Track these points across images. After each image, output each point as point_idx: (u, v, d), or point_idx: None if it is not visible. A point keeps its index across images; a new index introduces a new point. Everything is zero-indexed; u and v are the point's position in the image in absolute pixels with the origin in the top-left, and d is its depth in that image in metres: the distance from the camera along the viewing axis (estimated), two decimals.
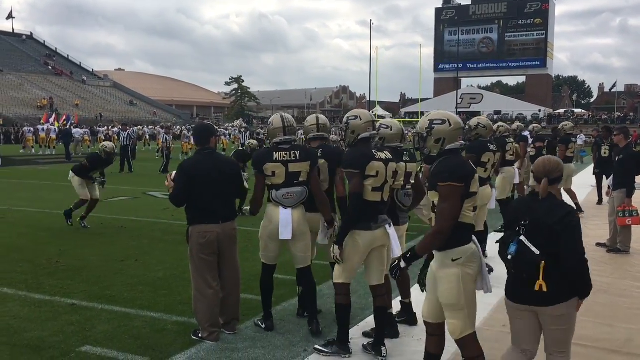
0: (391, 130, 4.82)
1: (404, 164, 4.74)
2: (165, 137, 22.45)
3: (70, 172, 9.64)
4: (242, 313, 5.08)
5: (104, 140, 35.47)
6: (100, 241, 8.51)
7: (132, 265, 7.05)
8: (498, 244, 3.44)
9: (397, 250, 4.37)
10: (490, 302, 5.67)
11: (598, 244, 8.30)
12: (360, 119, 4.41)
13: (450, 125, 3.48)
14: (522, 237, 3.24)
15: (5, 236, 8.78)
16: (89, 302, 5.60)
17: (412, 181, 4.89)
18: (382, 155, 4.32)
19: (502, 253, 3.35)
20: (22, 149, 33.42)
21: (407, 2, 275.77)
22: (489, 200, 7.13)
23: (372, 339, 4.51)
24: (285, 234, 4.63)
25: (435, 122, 3.51)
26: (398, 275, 3.66)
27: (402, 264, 3.56)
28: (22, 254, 7.60)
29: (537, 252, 3.18)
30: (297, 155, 4.68)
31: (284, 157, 4.64)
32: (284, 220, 4.62)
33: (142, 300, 5.69)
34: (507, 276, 3.49)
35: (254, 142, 13.62)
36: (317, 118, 5.16)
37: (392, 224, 4.41)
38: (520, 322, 3.42)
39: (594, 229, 9.54)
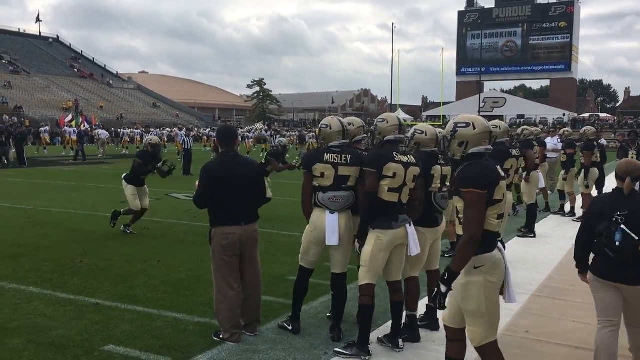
0: (425, 135, 4.92)
1: (439, 167, 4.85)
2: (184, 139, 22.31)
3: (124, 180, 9.25)
4: (263, 315, 5.09)
5: (128, 142, 35.88)
6: (123, 242, 8.61)
7: (154, 266, 7.11)
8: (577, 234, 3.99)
9: (415, 249, 4.43)
10: (513, 307, 5.62)
11: None
12: (387, 122, 4.55)
13: (474, 128, 3.43)
14: (622, 226, 3.65)
15: (31, 236, 8.92)
16: (112, 301, 5.66)
17: (448, 184, 4.96)
18: (404, 158, 4.41)
19: (602, 241, 3.72)
20: (44, 149, 33.44)
21: (428, 5, 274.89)
22: (510, 208, 7.13)
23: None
24: (332, 239, 4.59)
25: (459, 125, 3.48)
26: (443, 303, 3.35)
27: (443, 289, 3.31)
28: (47, 253, 7.72)
29: (637, 237, 3.61)
30: (348, 159, 4.65)
31: (334, 159, 4.62)
32: (331, 225, 4.58)
33: (164, 300, 5.74)
34: (595, 256, 3.89)
35: (284, 139, 13.61)
36: (362, 122, 5.26)
37: (412, 223, 4.46)
38: (606, 295, 3.84)
39: None
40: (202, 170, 4.77)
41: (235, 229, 4.67)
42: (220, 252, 4.69)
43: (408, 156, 4.47)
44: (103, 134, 33.65)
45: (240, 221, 4.71)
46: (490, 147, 3.50)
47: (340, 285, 4.80)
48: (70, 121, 43.60)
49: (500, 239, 3.50)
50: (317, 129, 4.91)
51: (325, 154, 4.64)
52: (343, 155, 4.64)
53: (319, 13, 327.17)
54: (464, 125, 3.46)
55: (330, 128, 4.73)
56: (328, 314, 5.20)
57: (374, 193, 4.31)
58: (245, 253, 4.78)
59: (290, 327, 4.89)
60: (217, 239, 4.70)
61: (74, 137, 32.97)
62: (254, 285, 4.88)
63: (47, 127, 38.05)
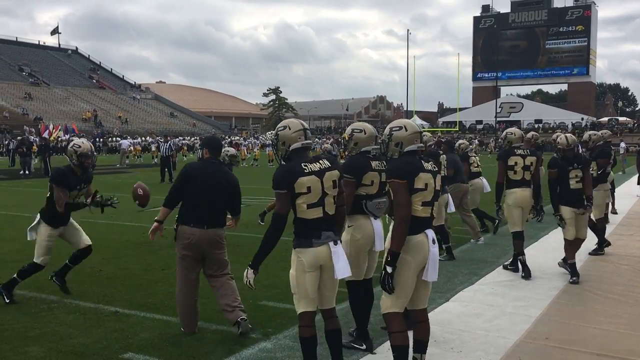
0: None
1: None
2: (161, 145, 21.10)
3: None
4: (281, 322, 5.14)
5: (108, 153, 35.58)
6: (142, 250, 8.67)
7: (172, 274, 7.08)
8: None
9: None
10: (533, 314, 5.57)
11: None
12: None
13: (406, 130, 3.95)
14: None
15: None
16: (131, 309, 5.71)
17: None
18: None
19: None
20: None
21: (434, 11, 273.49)
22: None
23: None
24: (379, 244, 4.54)
25: (393, 129, 4.00)
26: (391, 284, 3.72)
27: (389, 269, 3.69)
28: None
29: None
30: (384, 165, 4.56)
31: (378, 166, 4.55)
32: (378, 231, 4.54)
33: None
34: None
35: (329, 145, 11.65)
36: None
37: (338, 242, 3.89)
38: None
39: None
40: (181, 169, 5.12)
41: (196, 231, 4.89)
42: (181, 249, 4.98)
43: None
44: (124, 143, 34.01)
45: (203, 225, 4.90)
46: (421, 144, 3.97)
47: (367, 292, 4.76)
48: (48, 133, 44.27)
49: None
50: (349, 134, 4.68)
51: (371, 162, 4.56)
52: (383, 162, 4.56)
53: (325, 20, 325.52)
54: (398, 128, 3.98)
55: (365, 133, 4.61)
56: (350, 330, 4.91)
57: (285, 216, 3.92)
58: (206, 255, 5.01)
59: (363, 347, 4.69)
60: (180, 237, 4.99)
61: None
62: (222, 286, 5.04)
63: (37, 139, 38.47)
